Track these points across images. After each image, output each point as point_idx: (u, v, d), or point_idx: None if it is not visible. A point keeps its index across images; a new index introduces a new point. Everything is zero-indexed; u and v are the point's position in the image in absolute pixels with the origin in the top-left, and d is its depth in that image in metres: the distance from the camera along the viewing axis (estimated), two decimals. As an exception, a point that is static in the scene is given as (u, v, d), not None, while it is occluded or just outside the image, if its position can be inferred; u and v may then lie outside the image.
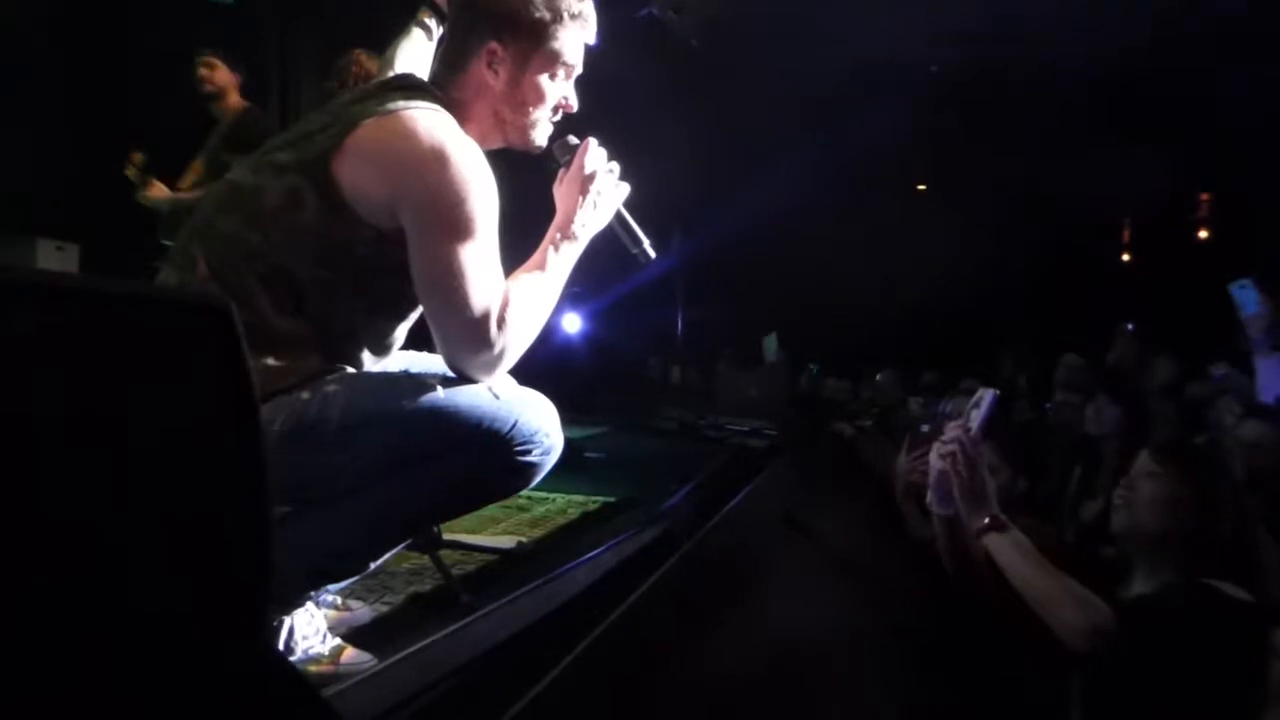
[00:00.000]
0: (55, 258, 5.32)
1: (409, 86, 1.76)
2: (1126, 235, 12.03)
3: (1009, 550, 2.06)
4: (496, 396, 1.68)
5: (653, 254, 1.93)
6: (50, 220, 5.30)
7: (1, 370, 0.73)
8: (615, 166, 1.89)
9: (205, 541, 0.87)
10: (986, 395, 2.22)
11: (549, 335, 1.79)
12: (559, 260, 1.81)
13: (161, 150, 4.50)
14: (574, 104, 1.85)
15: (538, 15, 1.76)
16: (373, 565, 1.77)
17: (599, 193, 1.85)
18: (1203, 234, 11.35)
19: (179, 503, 0.84)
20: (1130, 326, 7.50)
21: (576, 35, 1.81)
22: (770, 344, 8.63)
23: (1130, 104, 9.00)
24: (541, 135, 1.84)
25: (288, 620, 1.68)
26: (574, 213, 1.83)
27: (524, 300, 1.70)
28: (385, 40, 2.32)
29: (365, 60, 3.75)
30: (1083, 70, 8.43)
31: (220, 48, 4.60)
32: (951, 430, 2.19)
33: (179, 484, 0.84)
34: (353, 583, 1.88)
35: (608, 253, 1.95)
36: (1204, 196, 11.27)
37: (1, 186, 5.13)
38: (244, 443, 0.87)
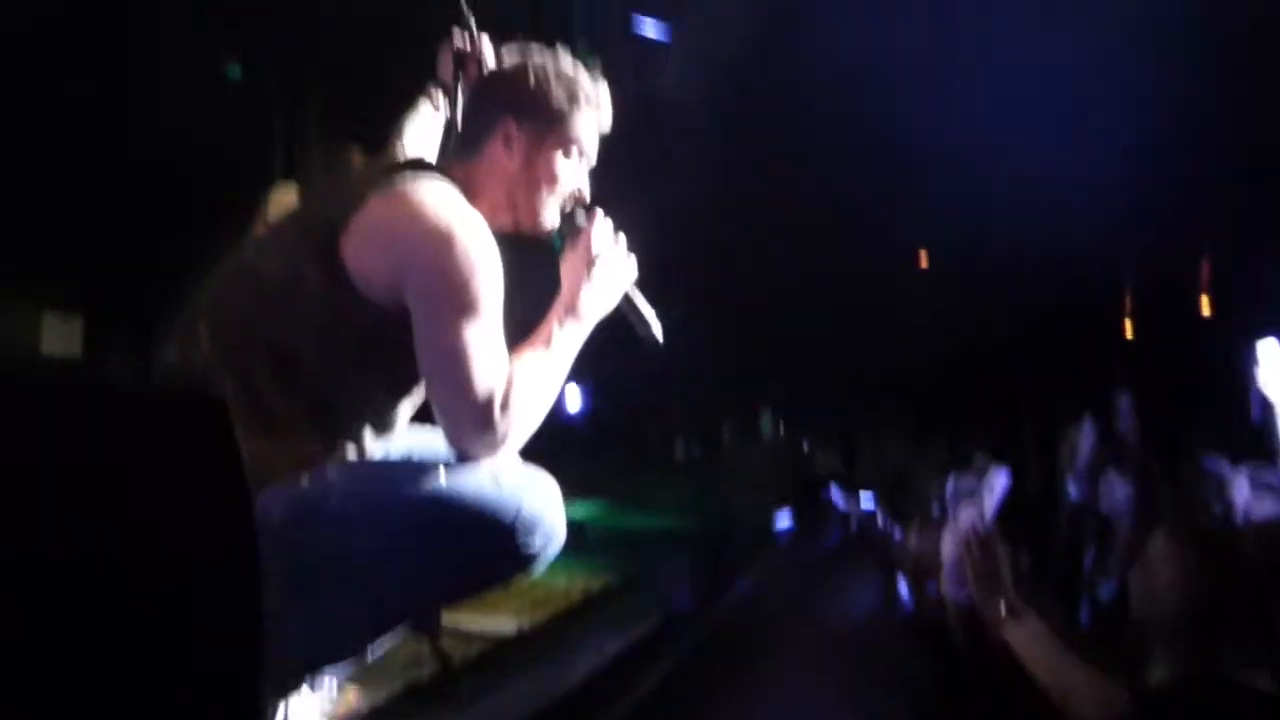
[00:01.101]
0: (60, 329, 5.32)
1: (418, 164, 1.77)
2: (1128, 306, 12.06)
3: (1027, 638, 2.02)
4: (499, 481, 1.64)
5: (660, 336, 1.91)
6: (56, 292, 5.31)
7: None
8: (624, 244, 1.88)
9: (198, 636, 0.85)
10: (1000, 478, 2.19)
11: (550, 409, 1.76)
12: (564, 339, 1.78)
13: (167, 223, 4.53)
14: (586, 192, 1.85)
15: (556, 99, 1.78)
16: (369, 653, 1.72)
17: (605, 271, 1.83)
18: (1205, 305, 11.37)
19: (173, 597, 0.83)
20: (1129, 397, 7.47)
21: (592, 120, 1.83)
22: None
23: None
24: (550, 219, 1.84)
25: (282, 706, 1.64)
26: (580, 290, 1.81)
27: (528, 382, 1.67)
28: (391, 116, 2.33)
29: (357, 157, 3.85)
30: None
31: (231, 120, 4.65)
32: (965, 514, 2.16)
33: (172, 579, 0.82)
34: (350, 670, 1.83)
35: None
36: (1206, 267, 11.32)
37: (9, 257, 5.15)
38: (238, 536, 0.85)
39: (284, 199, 3.92)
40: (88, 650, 0.77)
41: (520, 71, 1.80)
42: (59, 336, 5.31)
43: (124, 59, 5.39)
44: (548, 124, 1.78)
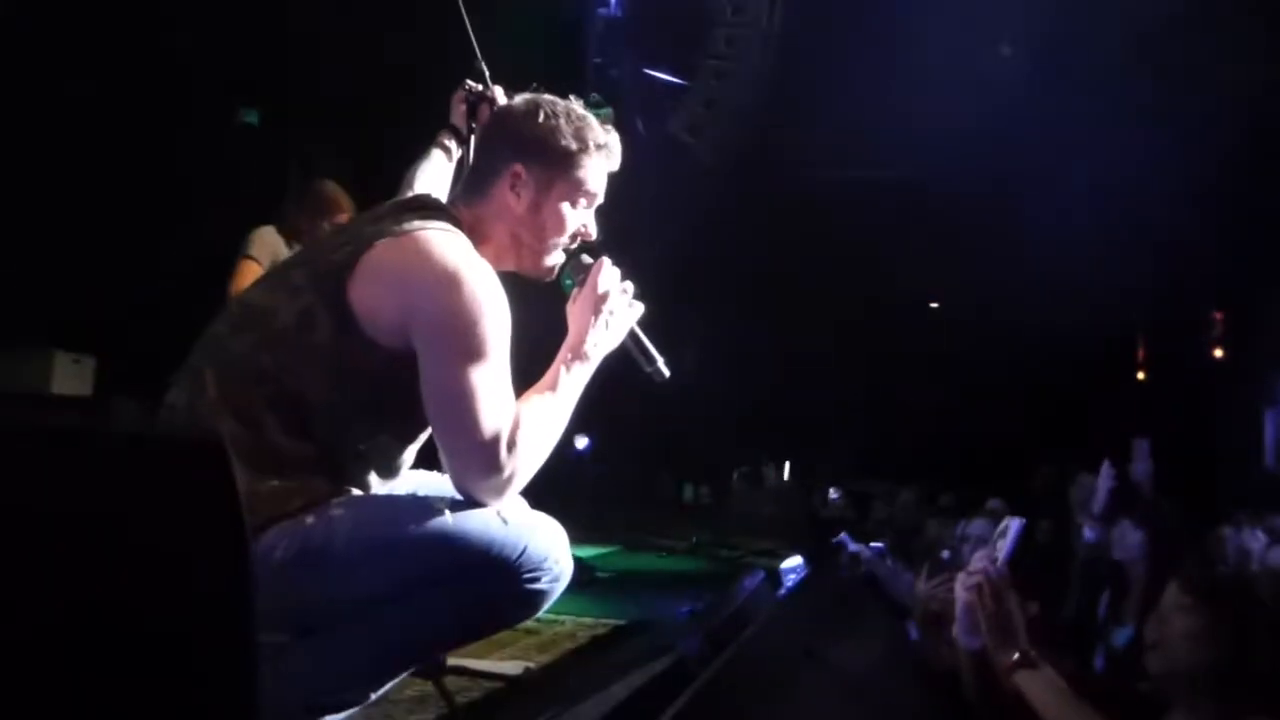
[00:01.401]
0: (72, 371, 5.35)
1: (424, 207, 1.78)
2: (1141, 353, 12.01)
3: (1042, 689, 1.98)
4: (505, 522, 1.63)
5: (666, 372, 1.91)
6: (67, 333, 5.35)
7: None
8: (629, 286, 1.89)
9: (190, 675, 0.84)
10: (1013, 524, 2.16)
11: (558, 452, 1.76)
12: (570, 381, 1.78)
13: (177, 267, 4.56)
14: (593, 233, 1.86)
15: (565, 144, 1.78)
16: (374, 695, 1.70)
17: (611, 312, 1.83)
18: (1218, 352, 11.32)
19: (167, 638, 0.82)
20: (1145, 443, 7.41)
21: (601, 166, 1.83)
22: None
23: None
24: (555, 260, 1.84)
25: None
26: (586, 332, 1.81)
27: (534, 423, 1.67)
28: (404, 162, 2.36)
29: (326, 189, 3.93)
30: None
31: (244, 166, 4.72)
32: (978, 561, 2.13)
33: (166, 616, 0.82)
34: (353, 712, 1.81)
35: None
36: (1218, 315, 11.29)
37: (21, 300, 5.21)
38: (233, 576, 0.85)
39: (266, 239, 3.98)
40: (83, 687, 0.77)
41: (529, 115, 1.81)
42: (71, 378, 5.35)
43: (138, 107, 5.47)
44: (555, 168, 1.79)
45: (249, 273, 3.91)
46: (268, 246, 3.99)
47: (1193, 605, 2.07)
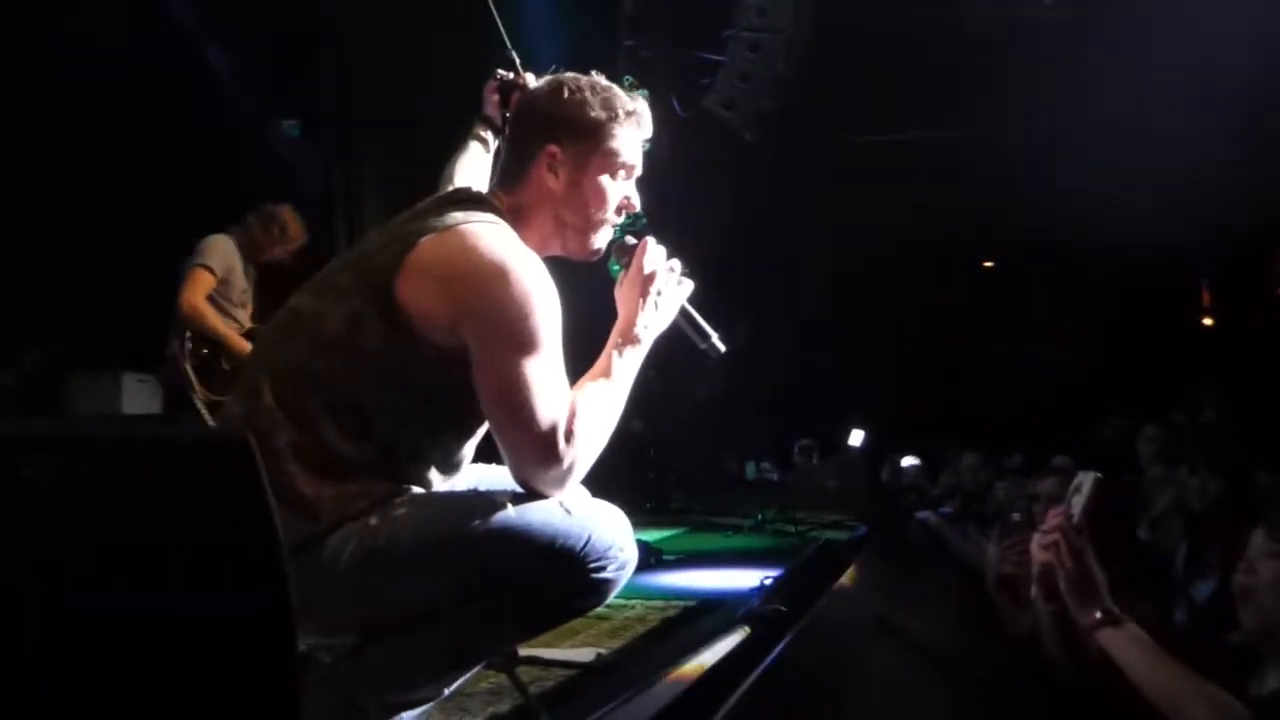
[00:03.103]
0: (138, 390, 5.48)
1: (466, 200, 1.77)
2: (1206, 297, 11.70)
3: (1127, 647, 1.93)
4: (568, 512, 1.63)
5: (722, 348, 1.89)
6: (135, 353, 5.47)
7: (24, 517, 0.74)
8: (676, 264, 1.86)
9: (227, 674, 0.85)
10: (1087, 479, 2.09)
11: (620, 437, 1.74)
12: (623, 365, 1.77)
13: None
14: (636, 204, 1.84)
15: (594, 115, 1.76)
16: (447, 691, 1.71)
17: (659, 292, 1.81)
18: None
19: (201, 639, 0.84)
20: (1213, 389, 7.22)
21: (633, 134, 1.81)
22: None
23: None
24: (601, 240, 1.83)
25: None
26: (635, 315, 1.80)
27: (591, 411, 1.66)
28: (445, 158, 2.35)
29: (288, 216, 4.08)
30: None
31: (289, 177, 4.77)
32: (1053, 519, 2.08)
33: (200, 622, 0.84)
34: (428, 708, 1.82)
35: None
36: (1280, 255, 10.95)
37: (92, 322, 5.34)
38: (266, 578, 0.86)
39: (222, 248, 4.03)
40: (117, 684, 0.78)
41: (554, 94, 1.79)
42: (138, 398, 5.48)
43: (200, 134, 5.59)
44: (589, 140, 1.77)
45: (201, 281, 3.95)
46: (222, 256, 4.02)
47: (1279, 552, 2.01)
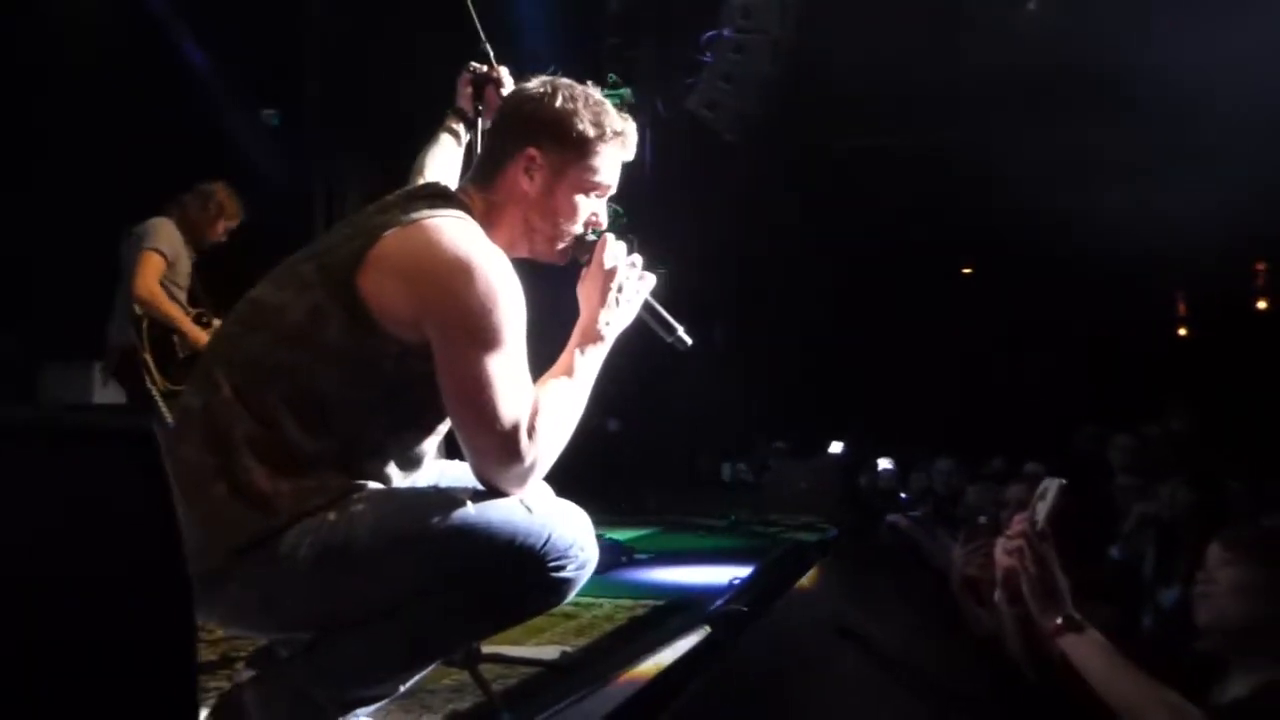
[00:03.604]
0: (111, 380, 5.43)
1: (433, 195, 1.75)
2: (1182, 308, 11.79)
3: (1088, 652, 1.94)
4: (529, 510, 1.62)
5: (689, 340, 1.87)
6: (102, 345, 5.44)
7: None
8: (637, 259, 1.84)
9: (122, 669, 0.84)
10: (1052, 485, 2.11)
11: (593, 434, 1.73)
12: (585, 363, 1.75)
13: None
14: (604, 221, 1.83)
15: (581, 128, 1.74)
16: (403, 688, 1.70)
17: (620, 288, 1.79)
18: (1261, 304, 11.08)
19: (96, 632, 0.82)
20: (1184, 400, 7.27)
21: (616, 154, 1.79)
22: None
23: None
24: (567, 245, 1.81)
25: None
26: (598, 311, 1.78)
27: (553, 408, 1.65)
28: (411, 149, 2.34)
29: (223, 194, 3.97)
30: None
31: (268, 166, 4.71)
32: (1017, 524, 2.09)
33: (97, 616, 0.82)
34: (386, 704, 1.81)
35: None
36: (1259, 265, 11.05)
37: (66, 311, 5.30)
38: (165, 570, 0.84)
39: (167, 232, 3.97)
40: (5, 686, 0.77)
41: (546, 98, 1.77)
42: (106, 387, 5.44)
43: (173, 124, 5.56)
44: (570, 152, 1.75)
45: (154, 265, 3.81)
46: (169, 238, 3.91)
47: (1236, 558, 2.03)
